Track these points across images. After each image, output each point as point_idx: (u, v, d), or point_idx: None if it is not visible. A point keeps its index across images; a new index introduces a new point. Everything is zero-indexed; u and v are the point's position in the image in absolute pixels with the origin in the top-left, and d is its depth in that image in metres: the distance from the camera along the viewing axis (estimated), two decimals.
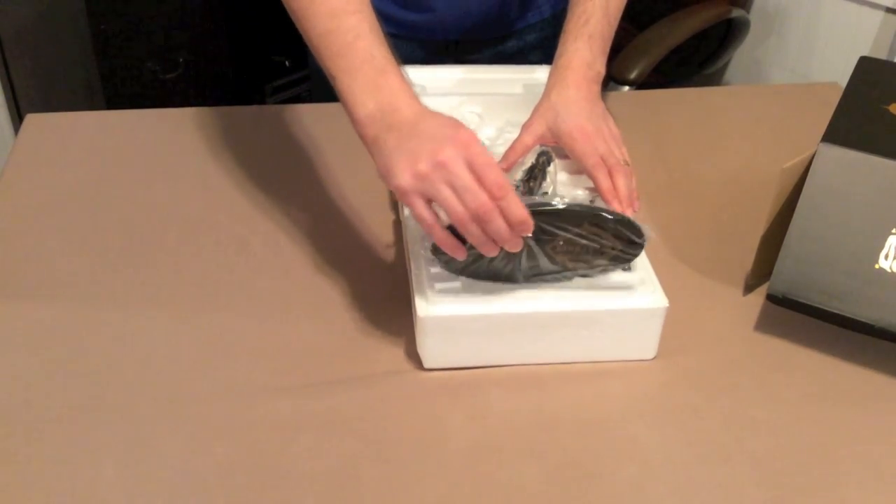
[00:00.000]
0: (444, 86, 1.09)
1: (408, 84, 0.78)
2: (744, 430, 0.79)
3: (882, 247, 0.82)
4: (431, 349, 0.82)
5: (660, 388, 0.83)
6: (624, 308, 0.82)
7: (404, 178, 0.72)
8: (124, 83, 1.89)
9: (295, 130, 1.15)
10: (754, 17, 1.95)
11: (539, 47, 1.25)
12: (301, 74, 2.29)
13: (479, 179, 0.71)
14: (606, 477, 0.74)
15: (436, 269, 0.83)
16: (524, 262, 0.80)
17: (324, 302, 0.89)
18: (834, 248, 0.84)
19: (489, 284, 0.82)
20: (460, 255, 0.76)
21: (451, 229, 0.75)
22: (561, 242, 0.79)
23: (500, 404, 0.80)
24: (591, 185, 0.90)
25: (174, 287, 0.90)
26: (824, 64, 2.01)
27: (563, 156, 0.93)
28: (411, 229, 0.87)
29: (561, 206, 0.78)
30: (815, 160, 0.83)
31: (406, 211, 0.88)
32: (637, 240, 0.81)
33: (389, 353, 0.84)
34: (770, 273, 0.88)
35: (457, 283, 0.82)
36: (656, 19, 1.78)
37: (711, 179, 1.11)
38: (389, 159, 0.74)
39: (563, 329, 0.82)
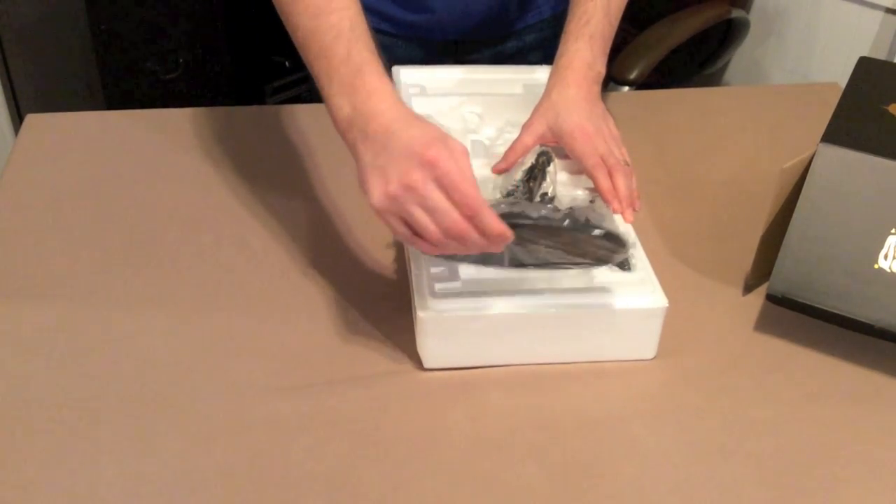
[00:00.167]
0: (444, 86, 1.09)
1: (386, 82, 0.76)
2: (744, 430, 0.79)
3: (881, 247, 0.82)
4: (431, 349, 0.82)
5: (660, 388, 0.83)
6: (624, 308, 0.82)
7: (377, 197, 0.72)
8: (124, 83, 1.89)
9: (295, 130, 1.15)
10: (754, 17, 1.95)
11: (539, 48, 1.25)
12: (301, 74, 2.28)
13: (450, 199, 0.70)
14: (606, 477, 0.74)
15: (436, 269, 0.83)
16: (509, 254, 0.79)
17: (324, 302, 0.89)
18: (833, 248, 0.84)
19: (489, 284, 0.82)
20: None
21: None
22: (543, 248, 0.79)
23: (499, 404, 0.80)
24: (591, 185, 0.90)
25: (174, 287, 0.90)
26: (824, 64, 2.02)
27: (563, 156, 0.93)
28: None
29: (536, 216, 0.77)
30: (814, 160, 0.83)
31: None
32: (621, 249, 0.79)
33: (389, 353, 0.84)
34: (770, 273, 0.88)
35: (457, 284, 0.82)
36: (656, 19, 1.78)
37: (711, 179, 1.11)
38: (364, 174, 0.73)
39: (563, 329, 0.82)
